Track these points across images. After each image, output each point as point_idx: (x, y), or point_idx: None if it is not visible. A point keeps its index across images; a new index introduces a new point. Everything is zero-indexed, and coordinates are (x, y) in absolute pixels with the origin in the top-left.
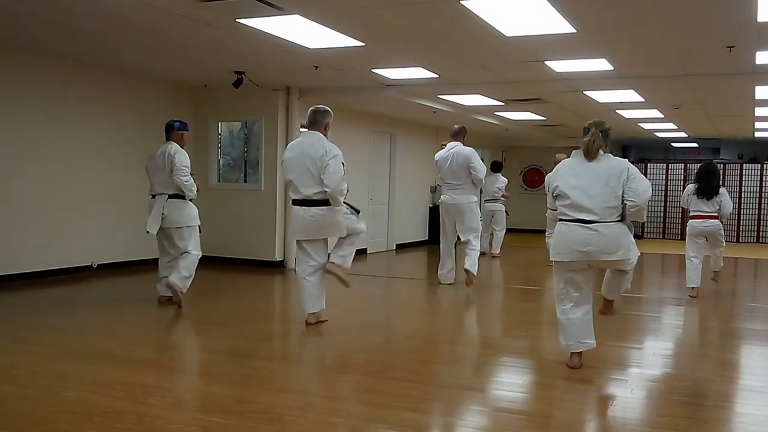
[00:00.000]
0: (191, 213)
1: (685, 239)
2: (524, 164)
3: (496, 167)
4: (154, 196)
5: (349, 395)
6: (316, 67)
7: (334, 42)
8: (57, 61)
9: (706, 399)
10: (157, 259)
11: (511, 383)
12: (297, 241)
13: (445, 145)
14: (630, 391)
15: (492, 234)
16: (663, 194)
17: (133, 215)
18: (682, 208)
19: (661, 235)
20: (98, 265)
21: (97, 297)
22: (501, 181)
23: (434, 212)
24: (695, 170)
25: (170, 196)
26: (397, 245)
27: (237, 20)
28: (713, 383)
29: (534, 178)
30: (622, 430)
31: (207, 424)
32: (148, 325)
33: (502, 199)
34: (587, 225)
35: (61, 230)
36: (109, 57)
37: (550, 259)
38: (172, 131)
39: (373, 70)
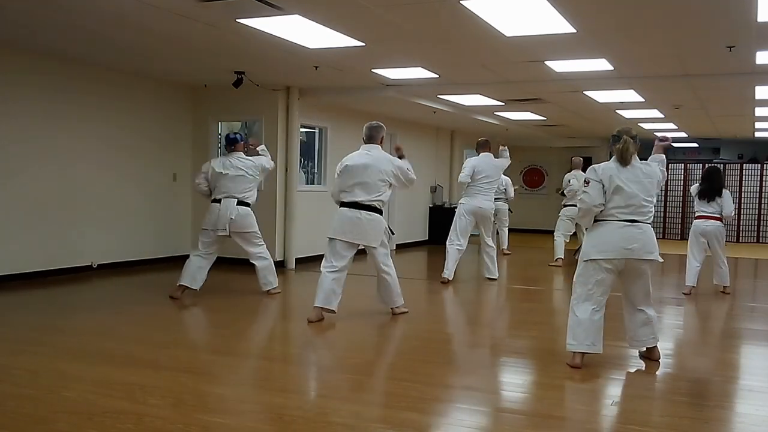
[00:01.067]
0: (254, 220)
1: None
2: (524, 164)
3: None
4: (218, 200)
5: (349, 395)
6: (316, 67)
7: (334, 42)
8: (57, 61)
9: (706, 399)
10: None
11: (511, 383)
12: (332, 240)
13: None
14: (630, 391)
15: (498, 232)
16: (663, 194)
17: (133, 215)
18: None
19: (661, 235)
20: (98, 265)
21: (97, 297)
22: (504, 181)
23: (434, 212)
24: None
25: (238, 203)
26: (397, 245)
27: (237, 20)
28: (713, 383)
29: (534, 178)
30: (623, 430)
31: (207, 424)
32: (148, 325)
33: (504, 197)
34: (635, 224)
35: (61, 230)
36: (109, 57)
37: (585, 258)
38: (236, 143)
39: (373, 70)
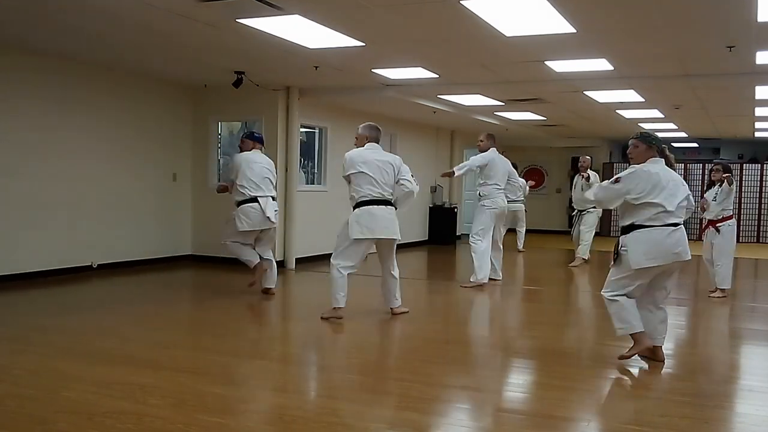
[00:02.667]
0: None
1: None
2: (524, 164)
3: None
4: (255, 199)
5: (349, 395)
6: (316, 67)
7: (334, 42)
8: (57, 61)
9: (706, 399)
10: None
11: (511, 383)
12: (357, 240)
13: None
14: (630, 391)
15: (513, 231)
16: None
17: (133, 215)
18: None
19: None
20: (98, 265)
21: (97, 297)
22: (520, 182)
23: (434, 212)
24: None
25: (272, 198)
26: (397, 245)
27: (237, 20)
28: (713, 383)
29: (534, 178)
30: (623, 430)
31: (207, 424)
32: (148, 325)
33: (522, 198)
34: (678, 228)
35: (61, 230)
36: (109, 57)
37: (637, 267)
38: (256, 140)
39: (373, 70)
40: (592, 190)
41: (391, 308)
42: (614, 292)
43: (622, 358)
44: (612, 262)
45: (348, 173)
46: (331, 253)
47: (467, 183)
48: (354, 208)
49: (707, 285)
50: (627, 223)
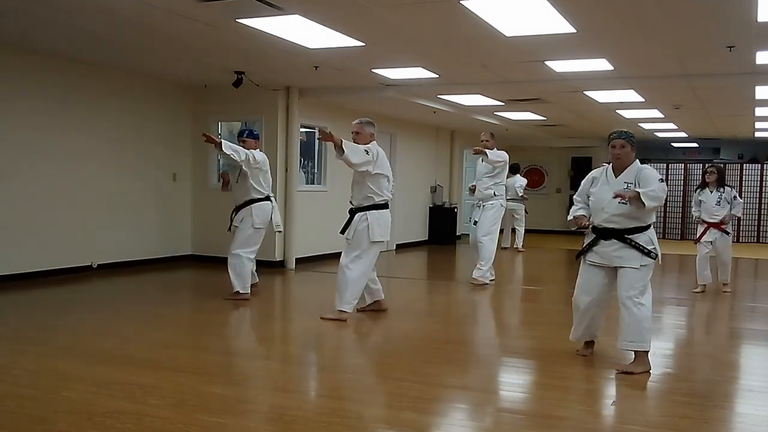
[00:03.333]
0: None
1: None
2: (524, 164)
3: (514, 168)
4: (269, 198)
5: (349, 395)
6: (316, 67)
7: (334, 42)
8: (57, 61)
9: (706, 399)
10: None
11: (511, 383)
12: (376, 242)
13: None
14: (630, 391)
15: (514, 231)
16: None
17: (133, 215)
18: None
19: (661, 235)
20: (98, 265)
21: (97, 297)
22: (521, 181)
23: (434, 212)
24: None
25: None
26: (397, 245)
27: (237, 20)
28: (713, 383)
29: (534, 178)
30: (623, 430)
31: (207, 424)
32: (148, 325)
33: (522, 198)
34: None
35: (61, 230)
36: (108, 57)
37: (658, 262)
38: (256, 139)
39: (373, 70)
40: (659, 192)
41: (378, 300)
42: (650, 299)
43: (624, 373)
44: (638, 266)
45: (376, 171)
46: (338, 254)
47: (467, 183)
48: (369, 209)
49: (709, 285)
50: (648, 222)
